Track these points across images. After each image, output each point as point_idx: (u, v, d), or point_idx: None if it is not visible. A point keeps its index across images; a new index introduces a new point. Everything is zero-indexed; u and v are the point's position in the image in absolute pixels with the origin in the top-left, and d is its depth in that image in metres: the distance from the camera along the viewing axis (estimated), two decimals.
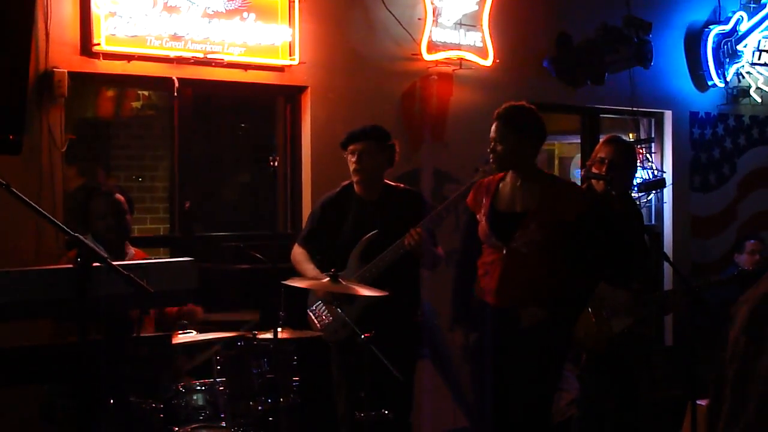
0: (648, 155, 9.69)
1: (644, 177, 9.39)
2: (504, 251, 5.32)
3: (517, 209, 5.37)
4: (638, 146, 9.36)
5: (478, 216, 5.49)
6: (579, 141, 9.88)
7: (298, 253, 6.11)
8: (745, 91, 10.50)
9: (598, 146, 6.22)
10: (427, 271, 6.00)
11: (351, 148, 5.92)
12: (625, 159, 6.12)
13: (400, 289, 5.70)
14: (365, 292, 5.33)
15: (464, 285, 5.57)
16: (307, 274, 5.89)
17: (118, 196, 5.80)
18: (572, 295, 5.41)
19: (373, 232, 5.80)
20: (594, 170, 6.01)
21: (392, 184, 6.06)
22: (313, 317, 5.98)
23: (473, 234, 5.51)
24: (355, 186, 6.02)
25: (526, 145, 5.33)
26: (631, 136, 9.87)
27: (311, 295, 6.02)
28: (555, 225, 5.26)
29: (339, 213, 6.02)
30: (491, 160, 5.39)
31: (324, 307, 5.93)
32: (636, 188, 8.95)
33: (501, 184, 5.48)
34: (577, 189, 5.71)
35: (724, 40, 10.18)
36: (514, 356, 5.32)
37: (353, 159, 5.90)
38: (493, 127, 5.34)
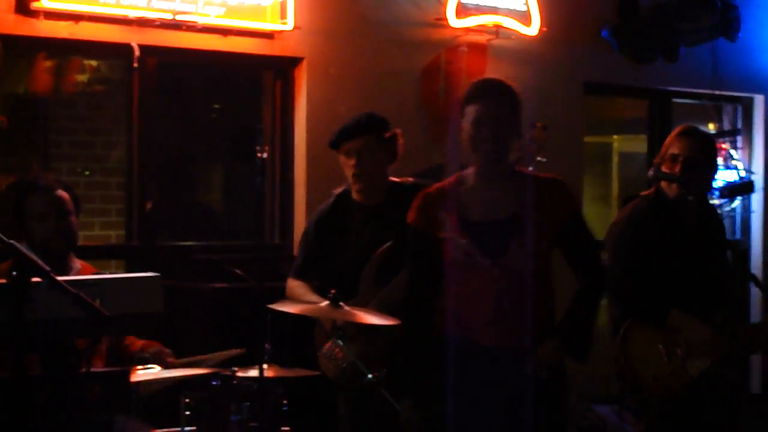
0: (733, 151, 9.69)
1: (727, 179, 9.39)
2: (496, 270, 5.11)
3: (501, 215, 5.14)
4: (720, 140, 9.37)
5: (440, 235, 5.16)
6: (645, 133, 9.90)
7: (295, 286, 5.97)
8: None
9: (669, 139, 6.19)
10: None
11: (346, 147, 5.79)
12: (703, 156, 6.09)
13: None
14: (375, 320, 5.27)
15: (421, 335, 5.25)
16: None
17: (61, 192, 5.72)
18: (584, 316, 5.22)
19: (387, 244, 5.74)
20: (664, 170, 6.00)
21: (398, 181, 5.95)
22: (327, 362, 5.81)
23: (426, 261, 5.21)
24: (354, 192, 5.93)
25: (516, 131, 5.16)
26: (712, 127, 9.88)
27: (319, 333, 5.88)
28: (553, 228, 5.12)
29: (338, 229, 5.89)
30: (487, 151, 5.06)
31: (337, 348, 5.78)
32: (717, 193, 8.95)
33: (462, 190, 5.21)
34: (566, 184, 5.42)
35: None
36: (529, 409, 5.19)
37: (351, 162, 5.77)
38: (480, 107, 5.02)
